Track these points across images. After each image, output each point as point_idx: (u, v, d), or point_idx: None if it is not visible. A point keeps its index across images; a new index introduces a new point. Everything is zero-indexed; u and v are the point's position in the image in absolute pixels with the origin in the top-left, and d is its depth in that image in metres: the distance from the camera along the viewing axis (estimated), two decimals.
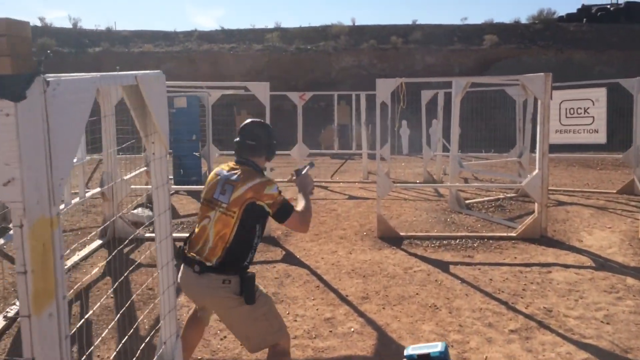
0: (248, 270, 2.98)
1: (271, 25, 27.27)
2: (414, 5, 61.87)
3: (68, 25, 26.32)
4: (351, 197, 9.79)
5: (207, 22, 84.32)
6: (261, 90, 6.75)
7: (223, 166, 3.17)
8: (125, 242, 6.34)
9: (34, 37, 21.22)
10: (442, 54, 24.37)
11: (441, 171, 12.11)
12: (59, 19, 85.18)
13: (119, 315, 4.28)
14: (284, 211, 3.04)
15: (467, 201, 8.76)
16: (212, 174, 3.20)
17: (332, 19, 53.29)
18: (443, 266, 5.81)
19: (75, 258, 5.91)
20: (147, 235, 6.92)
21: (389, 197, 8.74)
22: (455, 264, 5.90)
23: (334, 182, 11.75)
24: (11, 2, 71.37)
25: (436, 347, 3.19)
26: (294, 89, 21.77)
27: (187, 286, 3.07)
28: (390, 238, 6.81)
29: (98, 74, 1.69)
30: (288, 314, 4.64)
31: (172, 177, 11.84)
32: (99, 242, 6.53)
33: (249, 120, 3.30)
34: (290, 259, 6.13)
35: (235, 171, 3.05)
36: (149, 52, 24.19)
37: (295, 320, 4.52)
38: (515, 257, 6.08)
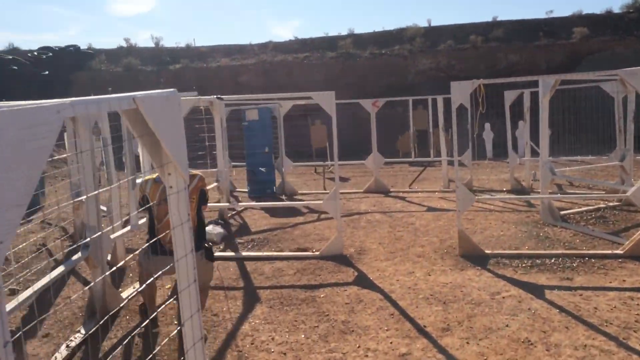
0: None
1: (344, 32, 26.95)
2: (494, 1, 59.33)
3: (151, 44, 27.34)
4: (430, 209, 9.14)
5: (285, 33, 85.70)
6: (326, 100, 6.34)
7: (153, 176, 4.21)
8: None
9: (119, 58, 22.12)
10: (526, 50, 22.95)
11: (530, 177, 11.15)
12: (144, 40, 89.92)
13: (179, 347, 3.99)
14: (207, 199, 4.47)
15: (562, 212, 7.87)
16: (148, 180, 4.24)
17: (407, 21, 52.28)
18: (537, 291, 5.09)
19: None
20: (217, 254, 6.69)
21: (472, 208, 8.04)
22: (552, 288, 5.16)
23: (412, 192, 11.12)
24: (101, 26, 76.09)
25: None
26: (370, 95, 21.24)
27: (168, 270, 3.23)
28: (474, 256, 6.15)
29: (69, 100, 1.32)
30: (358, 347, 4.16)
31: (246, 190, 11.73)
32: None
33: None
34: (362, 281, 5.64)
35: None
36: (226, 66, 24.60)
37: (367, 356, 4.03)
38: (624, 280, 5.24)
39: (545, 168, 7.54)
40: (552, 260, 5.92)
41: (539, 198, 7.93)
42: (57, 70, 22.50)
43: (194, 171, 4.29)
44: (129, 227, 5.78)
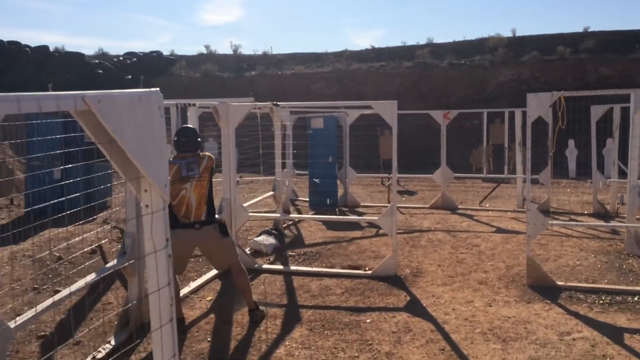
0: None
1: (423, 42, 26.28)
2: (585, 11, 55.96)
3: (229, 51, 27.96)
4: (499, 230, 8.45)
5: (363, 42, 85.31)
6: (387, 110, 5.92)
7: (170, 161, 4.48)
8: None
9: (199, 64, 22.72)
10: (620, 63, 21.32)
11: (616, 201, 10.14)
12: (224, 47, 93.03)
13: None
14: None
15: None
16: (170, 166, 4.40)
17: (490, 31, 50.34)
18: (615, 334, 4.42)
19: (186, 290, 5.58)
20: (265, 266, 6.45)
21: (546, 232, 7.31)
22: (633, 331, 4.46)
23: (482, 210, 10.40)
24: (187, 34, 79.27)
25: None
26: (445, 107, 20.45)
27: (186, 241, 4.51)
28: (544, 288, 5.50)
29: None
30: None
31: (307, 199, 11.48)
32: (214, 272, 6.17)
33: (183, 126, 5.01)
34: (414, 307, 5.16)
35: (189, 156, 4.57)
36: (300, 73, 24.65)
37: None
38: None
39: (633, 192, 6.71)
40: (636, 298, 5.18)
41: (624, 226, 7.07)
42: (139, 75, 23.43)
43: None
44: None
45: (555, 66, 22.23)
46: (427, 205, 10.96)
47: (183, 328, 4.60)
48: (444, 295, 5.46)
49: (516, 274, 6.03)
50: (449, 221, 9.22)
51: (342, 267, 6.45)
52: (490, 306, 5.10)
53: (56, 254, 6.51)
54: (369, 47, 27.14)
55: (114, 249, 7.18)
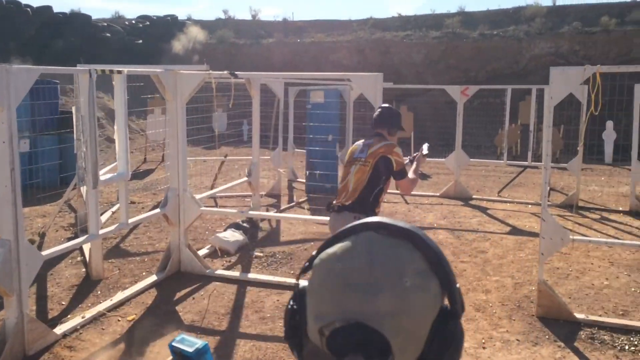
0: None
1: (454, 10, 24.48)
2: None
3: (248, 17, 26.65)
4: (514, 231, 7.14)
5: (405, 9, 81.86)
6: (369, 85, 4.67)
7: (359, 142, 4.19)
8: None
9: (214, 29, 21.62)
10: None
11: None
12: (242, 10, 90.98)
13: None
14: (402, 171, 3.93)
15: None
16: (352, 146, 4.22)
17: None
18: None
19: (107, 304, 4.53)
20: (219, 272, 5.36)
21: (571, 231, 5.97)
22: None
23: (500, 202, 9.06)
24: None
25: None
26: (473, 81, 18.90)
27: (332, 225, 4.02)
28: (558, 323, 4.27)
29: None
30: None
31: (304, 180, 10.35)
32: (153, 278, 5.12)
33: (381, 105, 4.31)
34: None
35: (371, 139, 4.06)
36: (320, 41, 23.24)
37: None
38: None
39: None
40: None
41: None
42: (152, 40, 22.41)
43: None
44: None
45: (597, 39, 20.27)
46: (438, 194, 9.69)
47: None
48: None
49: (525, 297, 4.80)
50: (457, 215, 7.95)
51: None
52: (484, 348, 3.90)
53: None
54: (396, 15, 25.44)
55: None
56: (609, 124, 14.74)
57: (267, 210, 8.24)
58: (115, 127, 4.89)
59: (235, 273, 5.36)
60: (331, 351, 0.70)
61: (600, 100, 4.44)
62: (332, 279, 0.72)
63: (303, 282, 0.77)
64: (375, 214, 3.77)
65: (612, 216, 8.09)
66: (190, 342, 1.28)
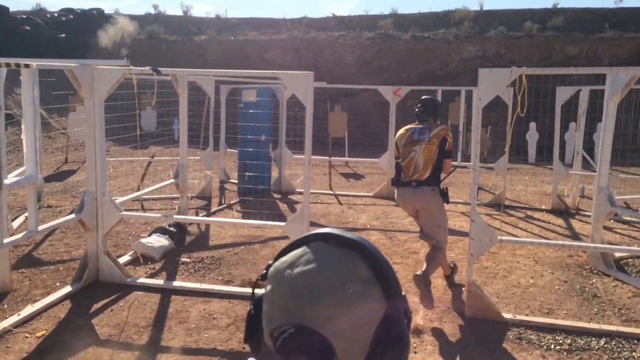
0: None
1: (387, 12, 24.80)
2: None
3: (179, 12, 25.90)
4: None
5: (341, 10, 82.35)
6: (300, 83, 4.52)
7: (406, 127, 4.90)
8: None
9: (144, 24, 20.77)
10: (587, 43, 20.35)
11: (578, 194, 9.08)
12: (173, 6, 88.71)
13: None
14: (450, 151, 4.78)
15: (618, 255, 5.86)
16: (401, 131, 4.92)
17: (457, 3, 48.84)
18: None
19: (14, 319, 4.13)
20: (141, 281, 5.04)
21: (498, 230, 6.06)
22: None
23: None
24: None
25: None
26: (406, 82, 19.18)
27: (405, 199, 4.81)
28: (488, 323, 4.29)
29: None
30: None
31: (236, 181, 10.10)
32: (67, 289, 4.75)
33: (424, 97, 5.08)
34: None
35: (423, 124, 4.84)
36: (254, 40, 22.91)
37: None
38: None
39: (602, 197, 5.53)
40: (602, 342, 4.01)
41: (585, 247, 5.89)
42: (76, 34, 21.30)
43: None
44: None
45: (521, 43, 21.13)
46: (371, 194, 9.70)
47: None
48: None
49: (455, 299, 4.81)
50: (390, 216, 7.96)
51: (243, 282, 5.12)
52: (415, 353, 3.85)
53: None
54: (330, 15, 25.49)
55: None
56: (532, 125, 15.37)
57: (197, 213, 7.94)
58: (22, 126, 4.47)
59: (159, 281, 5.06)
60: (279, 353, 0.74)
61: (526, 101, 4.51)
62: (282, 286, 0.77)
63: (261, 290, 0.82)
64: (439, 184, 4.72)
65: (536, 215, 8.36)
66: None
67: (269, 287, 0.79)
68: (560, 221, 7.93)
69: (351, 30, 23.48)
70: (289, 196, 9.52)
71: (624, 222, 7.70)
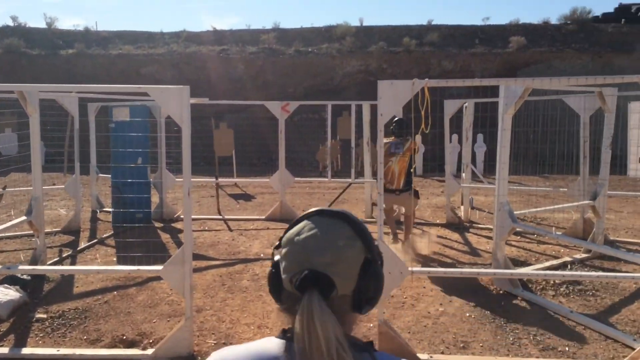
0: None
1: (269, 26, 24.43)
2: (430, 4, 58.27)
3: (43, 25, 23.60)
4: None
5: (205, 24, 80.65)
6: (173, 99, 3.77)
7: (384, 140, 4.91)
8: None
9: (2, 38, 18.41)
10: (461, 57, 21.38)
11: (468, 205, 9.08)
12: (36, 18, 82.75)
13: None
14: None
15: (519, 271, 5.69)
16: (385, 143, 5.72)
17: (338, 19, 49.95)
18: None
19: None
20: None
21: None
22: None
23: None
24: None
25: None
26: (292, 97, 18.79)
27: (391, 201, 6.62)
28: None
29: None
30: None
31: (110, 210, 8.97)
32: None
33: (396, 118, 6.50)
34: None
35: (400, 139, 6.65)
36: (128, 54, 21.38)
37: None
38: None
39: (503, 212, 5.33)
40: None
41: (489, 273, 5.68)
42: None
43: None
44: None
45: (400, 58, 21.72)
46: (264, 217, 9.03)
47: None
48: None
49: (363, 337, 4.27)
50: None
51: (113, 341, 4.20)
52: None
53: None
54: (210, 29, 24.59)
55: None
56: (480, 136, 15.68)
57: (61, 253, 6.78)
58: None
59: (3, 349, 4.00)
60: (298, 290, 1.05)
61: (430, 115, 4.14)
62: (294, 247, 1.10)
63: (277, 255, 1.13)
64: (412, 186, 6.46)
65: (433, 230, 8.18)
66: None
67: (283, 250, 1.11)
68: (456, 236, 7.79)
69: (234, 44, 22.79)
70: (172, 224, 8.58)
71: (516, 234, 7.72)
